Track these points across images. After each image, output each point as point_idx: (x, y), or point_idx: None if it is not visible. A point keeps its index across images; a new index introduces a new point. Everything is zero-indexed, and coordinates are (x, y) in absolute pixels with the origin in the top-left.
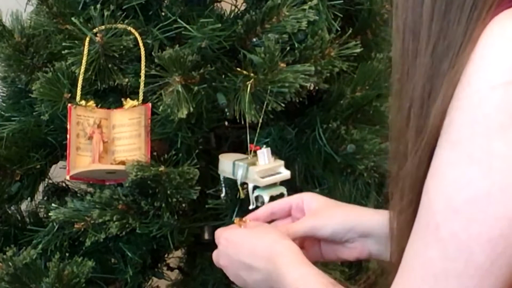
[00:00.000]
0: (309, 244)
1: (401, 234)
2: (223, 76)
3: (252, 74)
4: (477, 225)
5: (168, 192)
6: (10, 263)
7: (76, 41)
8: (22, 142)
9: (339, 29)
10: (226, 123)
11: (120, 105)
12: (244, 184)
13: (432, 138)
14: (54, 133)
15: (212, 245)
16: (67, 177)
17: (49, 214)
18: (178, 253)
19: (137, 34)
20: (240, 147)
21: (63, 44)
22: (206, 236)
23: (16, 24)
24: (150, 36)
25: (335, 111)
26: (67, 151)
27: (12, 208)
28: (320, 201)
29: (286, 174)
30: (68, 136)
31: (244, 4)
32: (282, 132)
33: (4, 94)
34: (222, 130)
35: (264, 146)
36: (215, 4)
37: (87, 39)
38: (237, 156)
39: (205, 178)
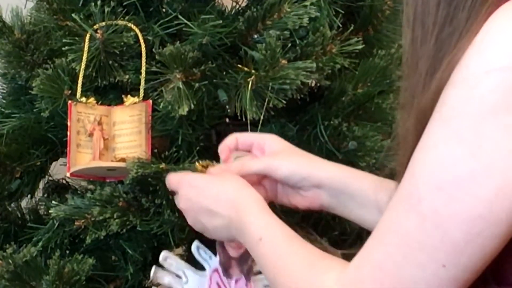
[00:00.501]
0: (267, 183)
1: None
2: (224, 73)
3: (253, 71)
4: (457, 204)
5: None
6: (10, 261)
7: (76, 38)
8: (22, 139)
9: (340, 25)
10: (227, 120)
11: (120, 102)
12: None
13: (422, 115)
14: (55, 130)
15: (213, 243)
16: (67, 174)
17: (50, 211)
18: (179, 250)
19: (137, 31)
20: None
21: (64, 40)
22: None
23: (16, 21)
24: (151, 33)
25: (336, 108)
26: (68, 148)
27: (12, 205)
28: (282, 144)
29: None
30: (68, 133)
31: (245, 0)
32: (283, 129)
33: (4, 91)
34: (223, 127)
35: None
36: (216, 0)
37: (88, 35)
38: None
39: None
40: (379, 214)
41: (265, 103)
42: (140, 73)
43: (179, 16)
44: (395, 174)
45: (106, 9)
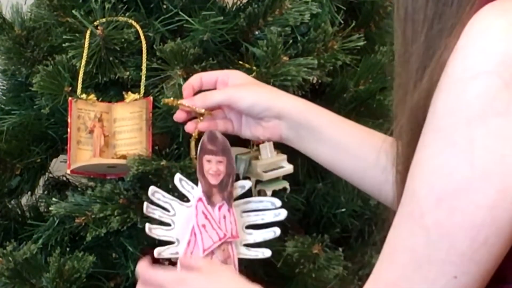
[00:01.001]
0: (233, 117)
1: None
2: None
3: (254, 68)
4: (459, 214)
5: (170, 186)
6: (10, 258)
7: (77, 34)
8: (23, 135)
9: (342, 22)
10: None
11: (121, 98)
12: (246, 178)
13: (413, 116)
14: (55, 126)
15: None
16: (68, 171)
17: (50, 208)
18: None
19: (138, 27)
20: (242, 141)
21: (64, 37)
22: None
23: (16, 17)
24: (152, 29)
25: (338, 105)
26: (68, 145)
27: (12, 202)
28: (246, 79)
29: (288, 168)
30: (68, 129)
31: None
32: None
33: (4, 88)
34: None
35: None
36: None
37: (88, 32)
38: (239, 150)
39: None
40: (334, 153)
41: None
42: (141, 70)
43: (180, 13)
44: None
45: (107, 5)
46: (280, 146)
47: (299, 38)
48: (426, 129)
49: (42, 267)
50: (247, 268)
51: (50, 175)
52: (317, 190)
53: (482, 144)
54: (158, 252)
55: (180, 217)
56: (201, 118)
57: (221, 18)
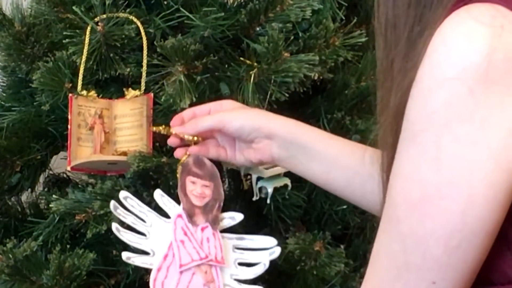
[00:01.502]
0: (226, 144)
1: None
2: (226, 66)
3: (255, 64)
4: (431, 220)
5: (170, 183)
6: (10, 255)
7: (77, 30)
8: (23, 132)
9: (343, 18)
10: None
11: (121, 95)
12: (247, 175)
13: (397, 113)
14: (55, 123)
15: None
16: (68, 168)
17: (50, 205)
18: None
19: (139, 23)
20: None
21: (64, 33)
22: None
23: (17, 13)
24: (152, 25)
25: (339, 101)
26: (68, 142)
27: (13, 199)
28: (237, 104)
29: None
30: (69, 126)
31: None
32: None
33: (4, 84)
34: None
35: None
36: None
37: (89, 28)
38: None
39: None
40: (323, 168)
41: (268, 96)
42: (142, 66)
43: (181, 9)
44: None
45: (107, 2)
46: None
47: (300, 34)
48: (401, 136)
49: (42, 264)
50: None
51: (51, 172)
52: (318, 187)
53: (449, 151)
54: (127, 256)
55: (157, 230)
56: (192, 144)
57: (222, 14)
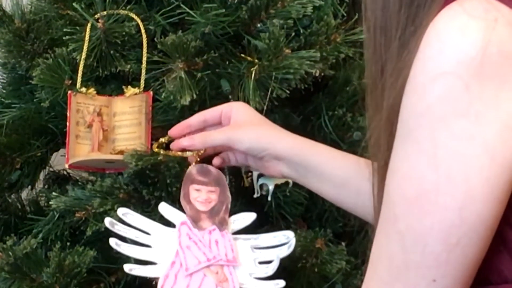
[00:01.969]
0: (239, 155)
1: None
2: (227, 62)
3: (256, 60)
4: (429, 217)
5: (168, 181)
6: (10, 253)
7: (77, 27)
8: (23, 129)
9: (345, 14)
10: None
11: (121, 92)
12: (248, 172)
13: (391, 113)
14: (55, 120)
15: None
16: (66, 166)
17: (50, 202)
18: None
19: (139, 20)
20: None
21: (64, 30)
22: None
23: (17, 9)
24: (153, 22)
25: (341, 98)
26: (66, 139)
27: (12, 196)
28: (247, 113)
29: None
30: (68, 123)
31: None
32: (287, 119)
33: (4, 81)
34: None
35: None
36: None
37: (89, 25)
38: None
39: None
40: (334, 188)
41: (269, 93)
42: (142, 63)
43: (181, 5)
44: None
45: None
46: None
47: (301, 30)
48: (396, 134)
49: (42, 262)
50: None
51: (51, 169)
52: None
53: (446, 147)
54: (129, 268)
55: (161, 239)
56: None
57: (223, 10)
